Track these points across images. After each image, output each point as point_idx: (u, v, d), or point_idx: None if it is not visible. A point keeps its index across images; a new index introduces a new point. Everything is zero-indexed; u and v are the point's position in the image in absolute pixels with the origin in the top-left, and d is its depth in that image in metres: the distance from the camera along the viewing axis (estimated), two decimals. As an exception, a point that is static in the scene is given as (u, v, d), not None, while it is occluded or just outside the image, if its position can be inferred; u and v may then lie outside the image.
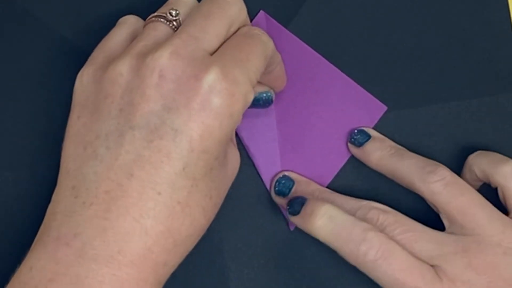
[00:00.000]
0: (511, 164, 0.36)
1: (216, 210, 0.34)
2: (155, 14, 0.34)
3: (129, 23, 0.36)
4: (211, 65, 0.31)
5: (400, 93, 0.41)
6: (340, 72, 0.41)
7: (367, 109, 0.40)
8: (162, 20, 0.34)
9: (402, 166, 0.37)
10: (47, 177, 0.39)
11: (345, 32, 0.41)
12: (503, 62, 0.41)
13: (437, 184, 0.36)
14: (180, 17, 0.34)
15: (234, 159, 0.36)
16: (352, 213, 0.36)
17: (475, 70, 0.41)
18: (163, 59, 0.31)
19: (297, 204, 0.37)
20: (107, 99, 0.31)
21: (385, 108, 0.41)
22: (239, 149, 0.40)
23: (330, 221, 0.35)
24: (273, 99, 0.39)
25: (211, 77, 0.31)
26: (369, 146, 0.39)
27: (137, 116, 0.30)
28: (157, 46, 0.32)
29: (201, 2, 0.34)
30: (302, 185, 0.39)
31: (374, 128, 0.40)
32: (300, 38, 0.41)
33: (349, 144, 0.40)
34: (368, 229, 0.34)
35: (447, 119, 0.40)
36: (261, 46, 0.33)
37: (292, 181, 0.39)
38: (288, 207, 0.38)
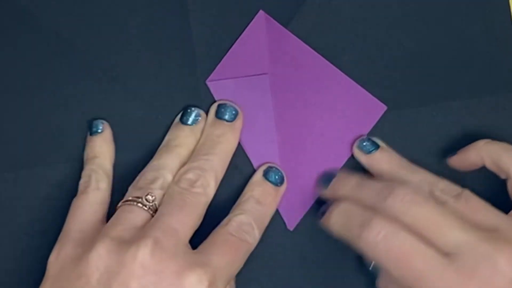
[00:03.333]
0: None
1: None
2: (131, 197, 0.34)
3: (101, 190, 0.36)
4: (195, 265, 0.31)
5: (400, 93, 0.41)
6: (340, 72, 0.41)
7: (367, 109, 0.40)
8: (138, 204, 0.33)
9: (413, 179, 0.36)
10: (47, 177, 0.39)
11: (345, 32, 0.41)
12: (503, 62, 0.41)
13: (449, 197, 0.35)
14: (156, 202, 0.34)
15: None
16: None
17: (475, 70, 0.41)
18: (146, 250, 0.31)
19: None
20: (81, 279, 0.31)
21: (385, 108, 0.41)
22: (238, 149, 0.40)
23: (342, 215, 0.35)
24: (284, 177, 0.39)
25: (194, 279, 0.30)
26: (379, 155, 0.39)
27: None
28: (139, 234, 0.31)
29: (173, 191, 0.34)
30: (340, 181, 0.38)
31: (374, 128, 0.40)
32: (300, 38, 0.41)
33: (356, 150, 0.39)
34: (373, 214, 0.33)
35: (447, 119, 0.40)
36: (247, 248, 0.34)
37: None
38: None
